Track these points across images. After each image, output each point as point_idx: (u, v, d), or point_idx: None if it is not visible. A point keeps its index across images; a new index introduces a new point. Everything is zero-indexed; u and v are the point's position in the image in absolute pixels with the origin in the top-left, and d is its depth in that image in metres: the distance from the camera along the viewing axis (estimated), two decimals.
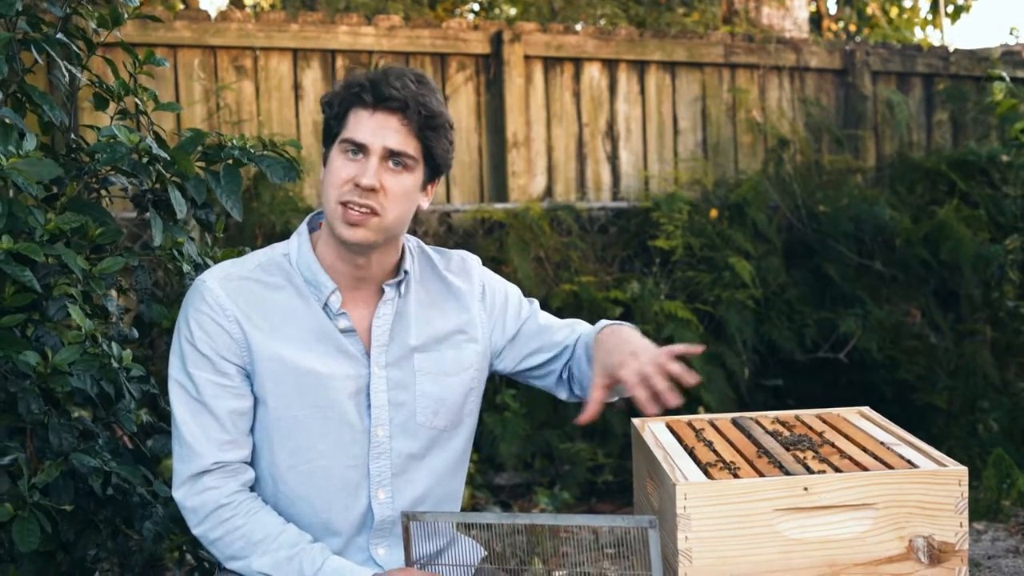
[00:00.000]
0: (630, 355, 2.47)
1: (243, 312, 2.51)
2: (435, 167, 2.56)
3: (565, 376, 2.81)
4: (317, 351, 2.53)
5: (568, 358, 2.79)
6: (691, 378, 2.39)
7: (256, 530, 2.47)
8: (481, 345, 2.71)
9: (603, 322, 2.72)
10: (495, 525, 2.58)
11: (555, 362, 2.80)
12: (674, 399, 2.38)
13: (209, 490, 2.49)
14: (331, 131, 2.53)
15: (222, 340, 2.50)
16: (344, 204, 2.46)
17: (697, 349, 2.43)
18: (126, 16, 3.00)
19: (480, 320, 2.72)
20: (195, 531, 2.52)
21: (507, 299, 2.79)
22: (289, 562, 2.45)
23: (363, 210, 2.46)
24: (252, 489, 2.55)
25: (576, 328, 2.82)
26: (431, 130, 2.51)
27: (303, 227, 2.64)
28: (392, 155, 2.48)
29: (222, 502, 2.48)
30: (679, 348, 2.42)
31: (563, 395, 2.83)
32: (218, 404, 2.49)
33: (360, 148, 2.47)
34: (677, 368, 2.40)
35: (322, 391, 2.52)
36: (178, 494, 2.51)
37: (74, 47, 2.97)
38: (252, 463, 2.57)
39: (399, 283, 2.62)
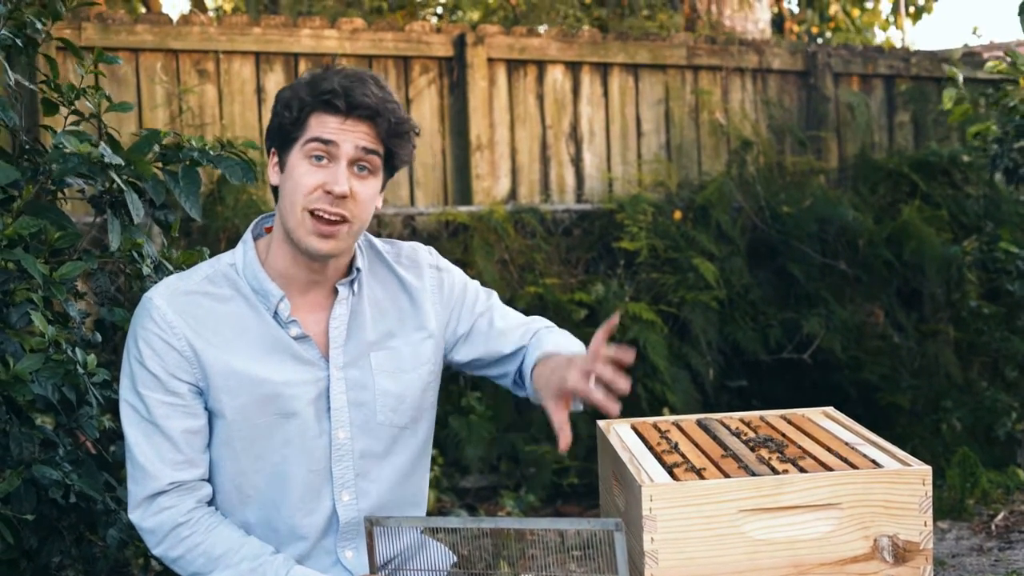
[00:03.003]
0: (567, 366, 2.45)
1: (192, 328, 2.47)
2: (392, 169, 2.55)
3: (519, 379, 2.78)
4: (272, 361, 2.49)
5: (521, 360, 2.75)
6: (627, 356, 2.36)
7: (217, 545, 2.44)
8: (435, 339, 2.68)
9: (536, 350, 2.69)
10: (461, 529, 2.57)
11: (507, 364, 2.76)
12: (623, 382, 2.35)
13: (165, 510, 2.45)
14: (287, 134, 2.47)
15: (171, 358, 2.45)
16: (313, 213, 2.43)
17: (612, 321, 2.39)
18: (65, 9, 2.95)
19: (435, 312, 2.68)
20: (155, 551, 2.48)
21: (464, 291, 2.75)
22: (252, 574, 2.43)
23: (335, 218, 2.43)
24: (210, 503, 2.52)
25: (531, 327, 2.79)
26: (397, 137, 2.49)
27: (247, 235, 2.59)
28: (359, 160, 2.45)
29: (179, 520, 2.45)
30: (601, 334, 2.37)
31: (521, 394, 2.80)
32: (170, 424, 2.45)
33: (327, 153, 2.43)
34: (611, 352, 2.37)
35: (281, 400, 2.49)
36: (134, 516, 2.47)
37: (18, 44, 2.91)
38: (214, 475, 2.53)
39: (352, 281, 2.58)
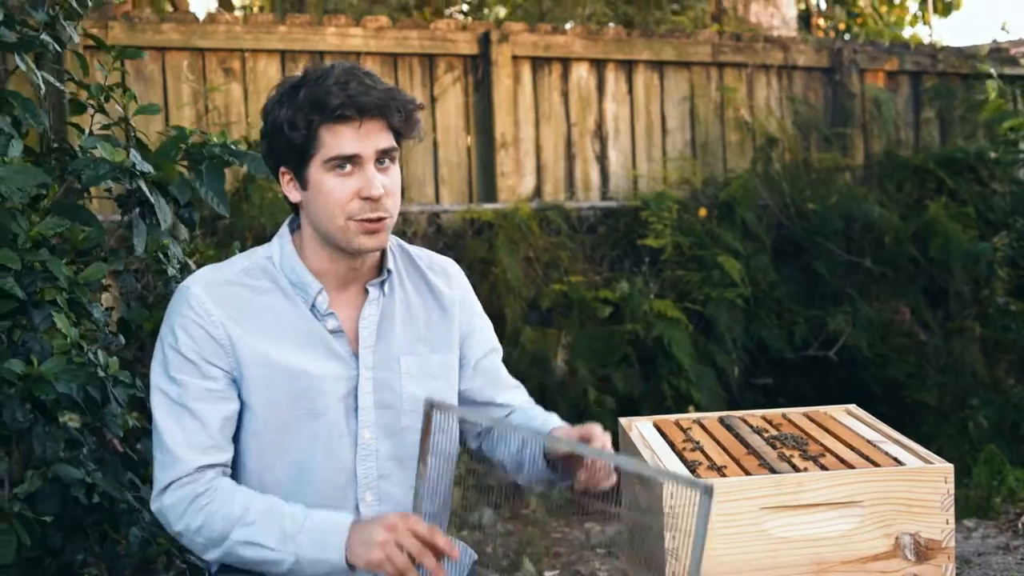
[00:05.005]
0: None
1: (230, 317, 2.49)
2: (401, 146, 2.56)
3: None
4: (307, 353, 2.51)
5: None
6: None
7: (236, 507, 2.42)
8: (455, 354, 2.70)
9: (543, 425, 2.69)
10: (486, 527, 2.58)
11: (485, 411, 2.75)
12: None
13: (187, 485, 2.45)
14: (301, 152, 2.46)
15: (207, 346, 2.47)
16: (357, 220, 2.45)
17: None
18: (89, 6, 2.97)
19: (458, 325, 2.70)
20: (176, 528, 2.47)
21: (483, 321, 2.78)
22: (270, 526, 2.40)
23: (378, 221, 2.46)
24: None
25: (524, 395, 2.81)
26: (407, 119, 2.50)
27: (284, 229, 2.62)
28: (383, 154, 2.47)
29: (199, 491, 2.44)
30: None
31: (474, 445, 2.81)
32: (203, 408, 2.46)
33: (351, 159, 2.44)
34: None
35: (313, 394, 2.50)
36: (157, 503, 2.47)
37: (51, 49, 2.94)
38: (237, 466, 2.54)
39: (382, 283, 2.60)
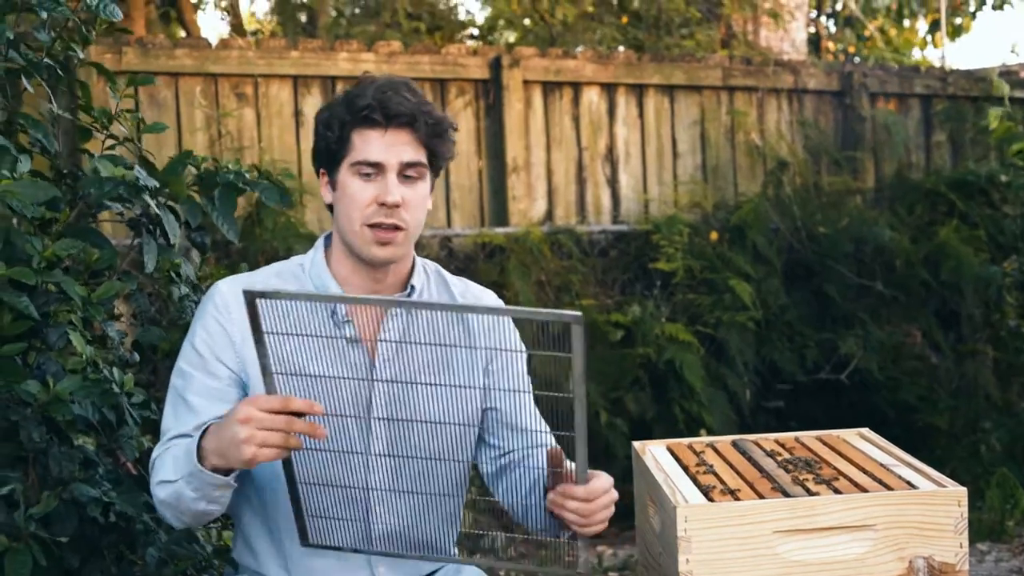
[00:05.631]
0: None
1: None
2: (437, 168, 2.59)
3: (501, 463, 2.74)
4: (322, 359, 2.50)
5: (511, 458, 2.71)
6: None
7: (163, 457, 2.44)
8: (477, 382, 2.67)
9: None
10: (499, 551, 2.57)
11: (515, 439, 2.70)
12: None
13: (175, 440, 2.46)
14: (334, 153, 2.53)
15: (220, 341, 2.49)
16: (371, 226, 2.48)
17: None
18: (96, 33, 2.99)
19: (482, 355, 2.68)
20: (153, 483, 2.44)
21: (505, 365, 2.71)
22: (169, 460, 2.40)
23: (391, 228, 2.48)
24: None
25: (536, 441, 2.71)
26: (437, 137, 2.54)
27: (320, 241, 2.65)
28: (408, 167, 2.49)
29: (168, 446, 2.46)
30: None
31: (484, 470, 2.75)
32: (201, 403, 2.47)
33: (376, 167, 2.48)
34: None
35: (325, 401, 2.50)
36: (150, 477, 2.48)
37: (58, 71, 2.96)
38: (246, 474, 2.51)
39: (407, 297, 2.60)
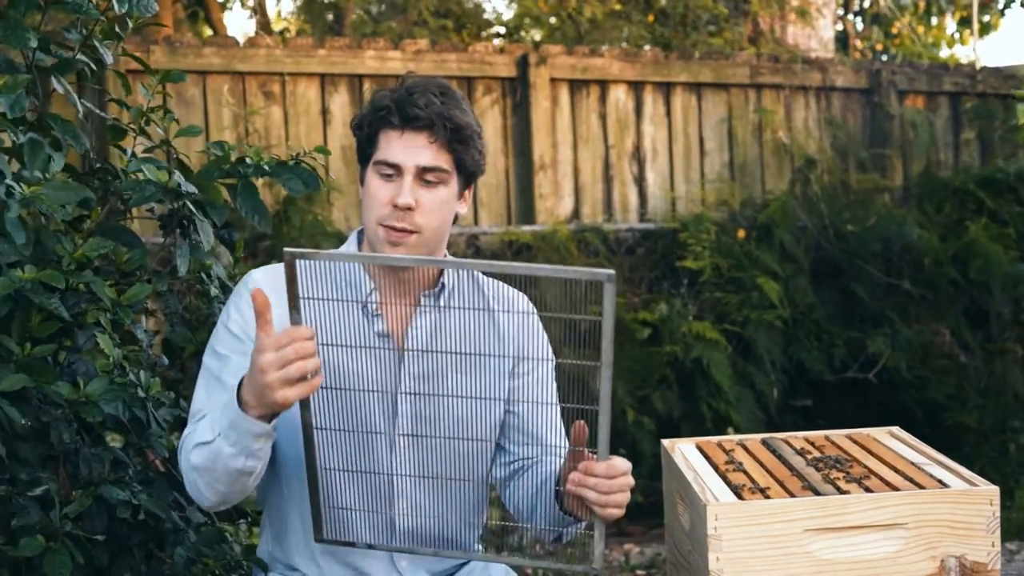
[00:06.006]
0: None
1: (282, 306, 2.49)
2: (468, 175, 2.59)
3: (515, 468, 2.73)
4: (352, 351, 2.51)
5: (522, 464, 2.71)
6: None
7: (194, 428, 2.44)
8: (506, 383, 2.68)
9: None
10: (528, 551, 2.57)
11: (529, 446, 2.71)
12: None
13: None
14: (364, 152, 2.56)
15: (255, 324, 2.50)
16: (384, 226, 2.49)
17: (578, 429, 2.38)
18: (131, 26, 2.99)
19: (510, 360, 2.68)
20: (185, 454, 2.44)
21: (529, 373, 2.71)
22: (205, 425, 2.40)
23: (401, 231, 2.49)
24: None
25: (551, 449, 2.71)
26: (459, 143, 2.53)
27: (353, 236, 2.69)
28: (425, 171, 2.50)
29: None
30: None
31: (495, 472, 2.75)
32: (237, 383, 2.47)
33: (394, 168, 2.49)
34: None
35: (351, 395, 2.50)
36: (179, 458, 2.48)
37: (87, 68, 2.97)
38: (275, 463, 2.53)
39: (437, 295, 2.61)
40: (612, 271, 2.12)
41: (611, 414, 2.21)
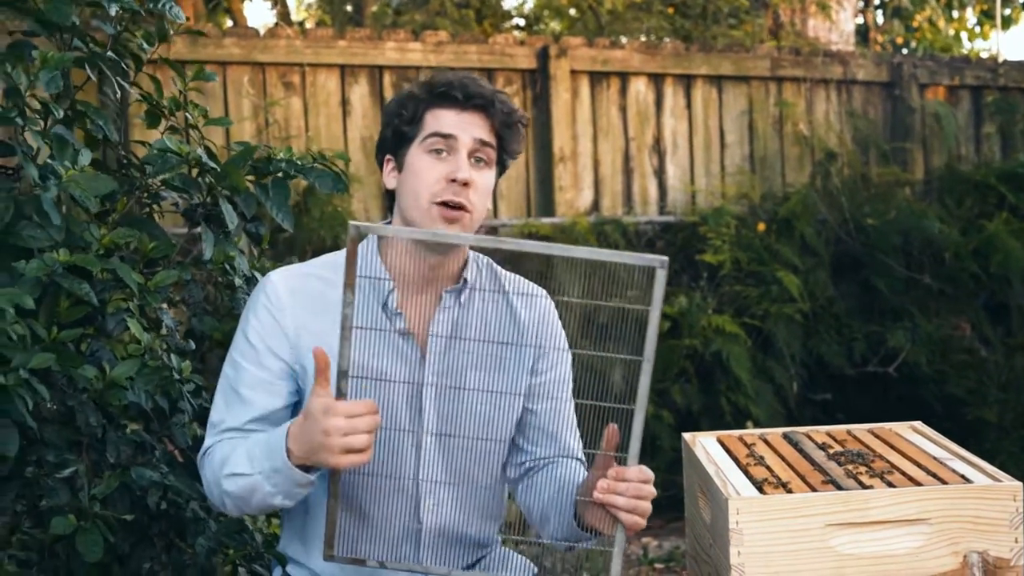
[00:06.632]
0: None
1: (301, 307, 2.51)
2: (503, 163, 2.60)
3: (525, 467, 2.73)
4: (373, 350, 2.51)
5: (536, 465, 2.71)
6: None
7: (227, 449, 2.46)
8: (526, 379, 2.67)
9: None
10: (545, 543, 2.56)
11: (543, 445, 2.71)
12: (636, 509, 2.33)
13: (228, 433, 2.51)
14: (404, 135, 2.54)
15: (274, 332, 2.50)
16: (440, 204, 2.48)
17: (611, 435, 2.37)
18: (172, 32, 3.02)
19: (530, 353, 2.68)
20: (218, 474, 2.46)
21: (548, 370, 2.71)
22: (242, 454, 2.41)
23: (459, 207, 2.48)
24: None
25: (565, 447, 2.72)
26: (508, 127, 2.56)
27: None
28: (476, 152, 2.51)
29: (234, 436, 2.50)
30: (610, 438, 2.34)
31: (509, 472, 2.74)
32: (252, 396, 2.50)
33: (447, 146, 2.49)
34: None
35: (377, 392, 2.50)
36: (200, 465, 2.53)
37: (123, 64, 2.99)
38: None
39: (459, 291, 2.60)
40: (665, 257, 2.09)
41: (645, 411, 2.18)
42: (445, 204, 2.48)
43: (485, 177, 2.53)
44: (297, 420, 2.32)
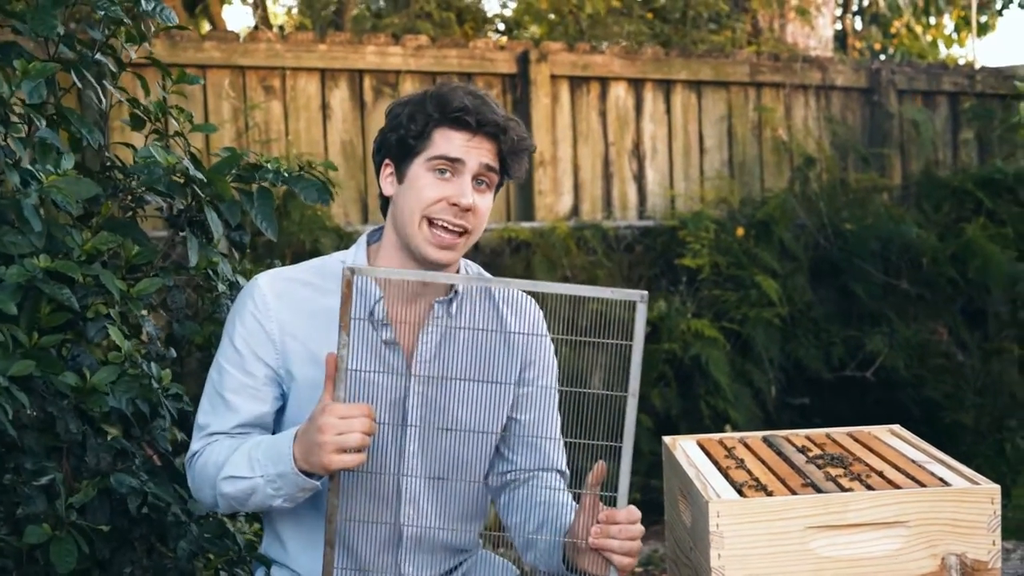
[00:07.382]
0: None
1: (287, 312, 2.50)
2: (499, 187, 2.60)
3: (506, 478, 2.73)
4: (359, 360, 2.50)
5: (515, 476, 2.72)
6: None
7: (222, 452, 2.47)
8: (513, 390, 2.67)
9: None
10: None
11: (526, 455, 2.72)
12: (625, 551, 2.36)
13: (216, 436, 2.52)
14: (409, 147, 2.51)
15: (259, 338, 2.50)
16: (432, 222, 2.47)
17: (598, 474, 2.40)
18: (153, 30, 3.02)
19: (518, 364, 2.68)
20: (191, 475, 2.52)
21: (534, 380, 2.72)
22: (241, 457, 2.43)
23: (457, 230, 2.47)
24: None
25: (564, 467, 2.74)
26: (516, 154, 2.54)
27: (363, 239, 2.64)
28: (480, 175, 2.49)
29: (197, 450, 2.52)
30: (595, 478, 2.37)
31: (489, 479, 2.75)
32: (237, 400, 2.51)
33: (452, 168, 2.47)
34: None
35: (361, 399, 2.50)
36: (188, 467, 2.55)
37: (107, 67, 2.99)
38: None
39: (450, 302, 2.59)
40: (645, 292, 2.14)
41: (632, 449, 2.20)
42: (442, 227, 2.47)
43: (486, 200, 2.52)
44: (302, 425, 2.33)
